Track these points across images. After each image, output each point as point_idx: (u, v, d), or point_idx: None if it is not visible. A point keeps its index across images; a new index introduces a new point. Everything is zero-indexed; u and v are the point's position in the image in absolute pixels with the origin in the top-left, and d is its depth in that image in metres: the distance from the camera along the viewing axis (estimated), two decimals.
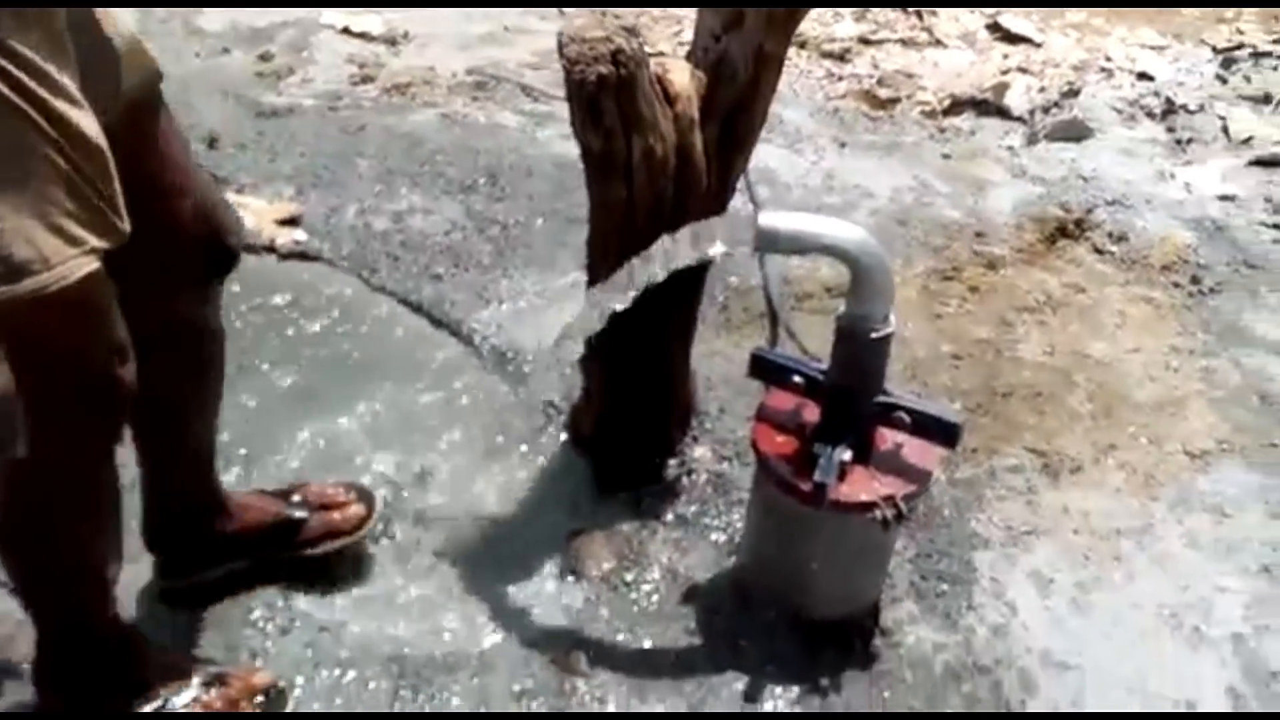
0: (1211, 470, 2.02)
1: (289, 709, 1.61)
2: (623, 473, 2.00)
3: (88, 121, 1.06)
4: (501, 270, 2.44)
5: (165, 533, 1.68)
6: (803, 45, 3.62)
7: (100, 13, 1.13)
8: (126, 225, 1.12)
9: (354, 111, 3.01)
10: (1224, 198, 2.95)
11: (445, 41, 3.51)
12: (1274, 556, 1.88)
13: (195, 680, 1.55)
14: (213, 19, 3.48)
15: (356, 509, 1.79)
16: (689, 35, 3.19)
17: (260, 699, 1.58)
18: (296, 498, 1.77)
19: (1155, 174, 3.07)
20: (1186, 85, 3.57)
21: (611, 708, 1.63)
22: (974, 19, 3.99)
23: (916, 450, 1.61)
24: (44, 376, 1.14)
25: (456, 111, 2.99)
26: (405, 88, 3.15)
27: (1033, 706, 1.65)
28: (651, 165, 1.62)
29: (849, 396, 1.57)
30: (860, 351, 1.53)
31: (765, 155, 2.66)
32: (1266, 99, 3.52)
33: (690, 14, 2.97)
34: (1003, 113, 3.42)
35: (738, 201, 1.91)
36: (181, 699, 1.53)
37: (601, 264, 1.76)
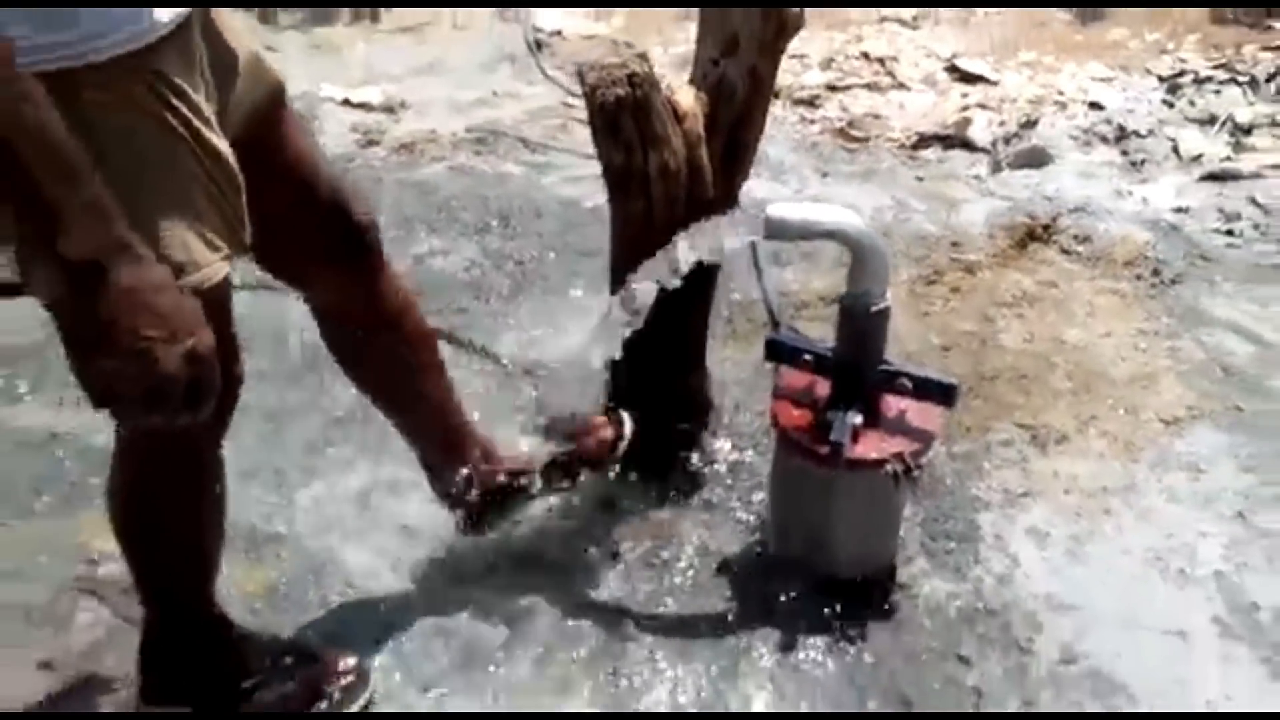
0: (1184, 434, 2.22)
1: (369, 690, 1.76)
2: (651, 466, 2.18)
3: (223, 144, 1.25)
4: (519, 300, 2.64)
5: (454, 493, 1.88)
6: (776, 94, 3.88)
7: (222, 29, 1.32)
8: (249, 235, 1.31)
9: (367, 170, 3.22)
10: (1178, 210, 3.18)
11: (441, 107, 3.75)
12: (1246, 504, 2.07)
13: (285, 661, 1.71)
14: None
15: (606, 431, 2.02)
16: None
17: (346, 680, 1.73)
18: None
19: (1113, 192, 3.29)
20: (1136, 112, 3.80)
21: (662, 666, 1.79)
22: (932, 62, 4.25)
23: (919, 414, 1.80)
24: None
25: (463, 164, 3.21)
26: (411, 146, 3.37)
27: (1039, 643, 1.82)
28: (666, 177, 1.83)
29: (855, 367, 1.77)
30: (863, 325, 1.73)
31: (753, 186, 2.83)
32: (1212, 120, 3.75)
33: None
34: (967, 145, 3.65)
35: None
36: (272, 681, 1.69)
37: (627, 271, 1.96)
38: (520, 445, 2.15)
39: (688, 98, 1.85)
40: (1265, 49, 4.01)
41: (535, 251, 2.80)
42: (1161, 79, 4.06)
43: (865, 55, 4.31)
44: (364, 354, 1.76)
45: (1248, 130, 3.65)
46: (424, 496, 1.97)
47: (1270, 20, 4.26)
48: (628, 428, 2.01)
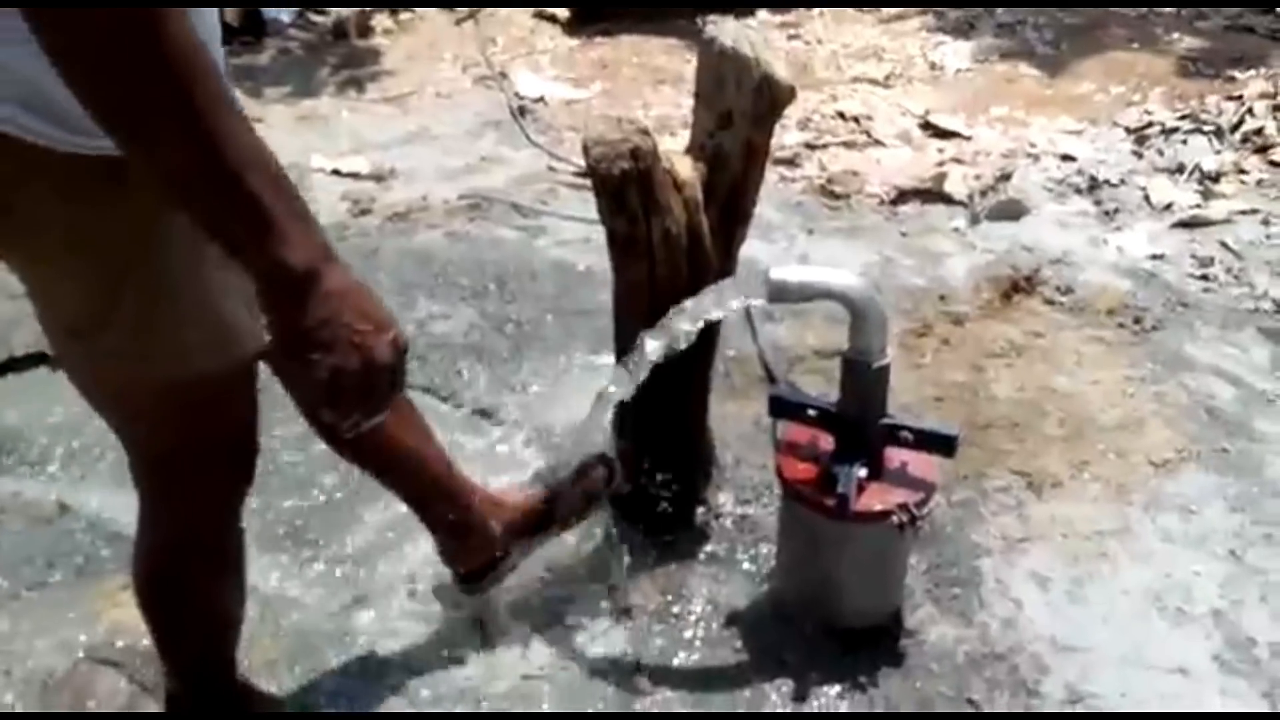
0: (1175, 476, 2.29)
1: None
2: (656, 522, 2.22)
3: None
4: (520, 361, 2.69)
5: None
6: None
7: None
8: None
9: (363, 239, 3.28)
10: (1154, 257, 3.27)
11: (429, 175, 3.82)
12: (1238, 542, 2.13)
13: None
14: None
15: (599, 471, 2.03)
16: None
17: None
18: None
19: (1089, 240, 3.39)
20: (1107, 162, 3.91)
21: None
22: (906, 120, 4.36)
23: (920, 465, 1.86)
24: (209, 436, 1.36)
25: (458, 230, 3.27)
26: (405, 215, 3.44)
27: (1047, 685, 1.86)
28: (669, 243, 1.90)
29: (858, 422, 1.83)
30: (864, 381, 1.79)
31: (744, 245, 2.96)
32: (1180, 169, 3.86)
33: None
34: (945, 199, 3.74)
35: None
36: None
37: (631, 335, 2.02)
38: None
39: (686, 167, 1.93)
40: (1228, 98, 4.15)
41: (533, 314, 2.86)
42: (1129, 130, 4.18)
43: (841, 115, 4.42)
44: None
45: (1215, 178, 3.77)
46: (424, 557, 2.01)
47: (1231, 70, 4.41)
48: (618, 468, 2.06)
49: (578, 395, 2.55)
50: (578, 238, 3.20)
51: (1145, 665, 1.90)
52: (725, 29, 1.89)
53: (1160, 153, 3.99)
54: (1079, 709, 1.81)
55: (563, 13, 5.24)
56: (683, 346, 1.78)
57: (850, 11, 5.24)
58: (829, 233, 3.24)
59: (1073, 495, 2.24)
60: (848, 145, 4.17)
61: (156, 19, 0.88)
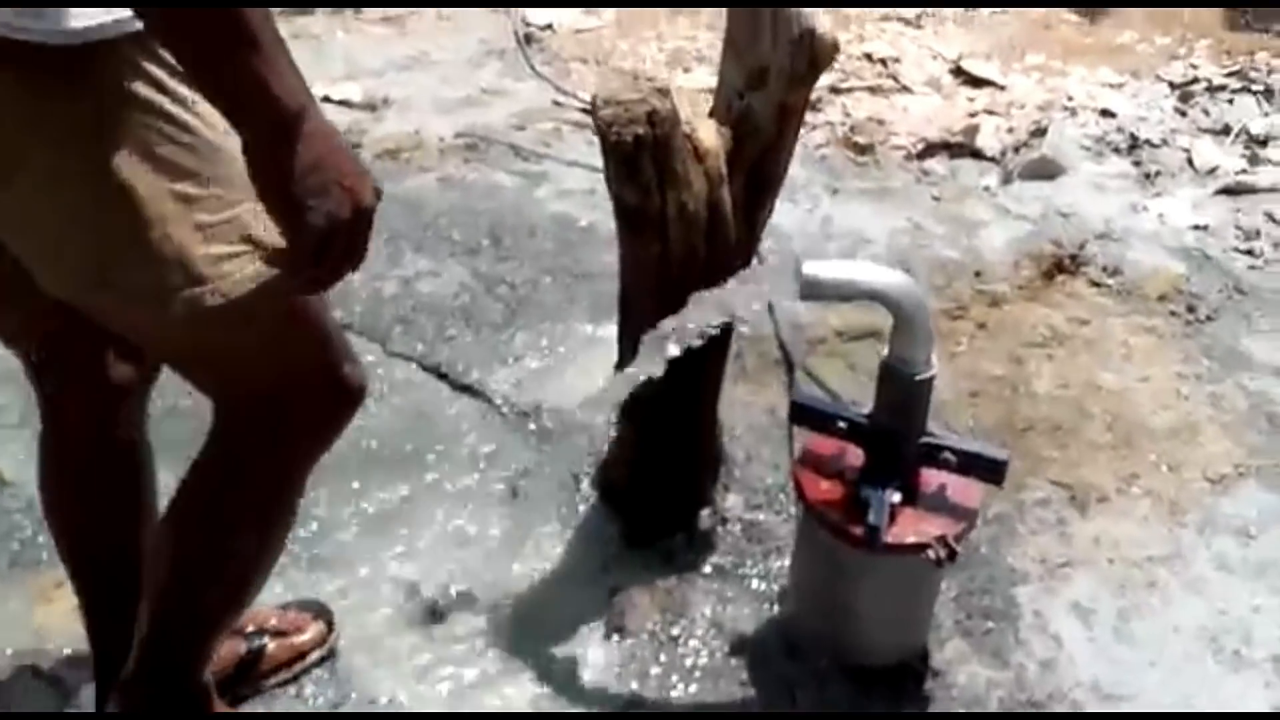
0: (1232, 493, 2.06)
1: None
2: (656, 525, 2.01)
3: None
4: (514, 328, 2.45)
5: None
6: None
7: None
8: None
9: None
10: (1196, 227, 3.03)
11: (425, 106, 3.54)
12: None
13: None
14: None
15: (317, 628, 1.74)
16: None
17: None
18: (251, 628, 1.69)
19: (1128, 207, 3.15)
20: (1148, 120, 3.65)
21: None
22: (937, 65, 4.07)
23: (960, 488, 1.63)
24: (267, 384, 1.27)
25: (451, 175, 3.01)
26: (396, 153, 3.17)
27: None
28: (685, 219, 1.65)
29: (894, 439, 1.60)
30: (904, 394, 1.56)
31: None
32: (1225, 130, 3.61)
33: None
34: (976, 154, 3.49)
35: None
36: None
37: (636, 318, 1.78)
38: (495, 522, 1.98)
39: (709, 134, 1.67)
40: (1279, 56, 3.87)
41: (529, 275, 2.61)
42: (1173, 86, 3.90)
43: (868, 56, 4.13)
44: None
45: (1263, 142, 3.52)
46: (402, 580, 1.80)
47: None
48: (332, 635, 1.76)
49: (575, 371, 2.32)
50: (581, 188, 2.93)
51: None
52: None
53: (1205, 112, 3.72)
54: None
55: None
56: (699, 344, 1.54)
57: None
58: (855, 194, 2.98)
59: (1120, 512, 2.02)
60: (873, 90, 3.89)
61: None
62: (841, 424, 1.64)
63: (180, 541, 1.35)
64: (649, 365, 1.56)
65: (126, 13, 0.99)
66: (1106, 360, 2.35)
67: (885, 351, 1.56)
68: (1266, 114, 3.66)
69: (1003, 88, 3.91)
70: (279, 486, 1.36)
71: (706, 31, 3.97)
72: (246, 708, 1.66)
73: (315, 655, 1.74)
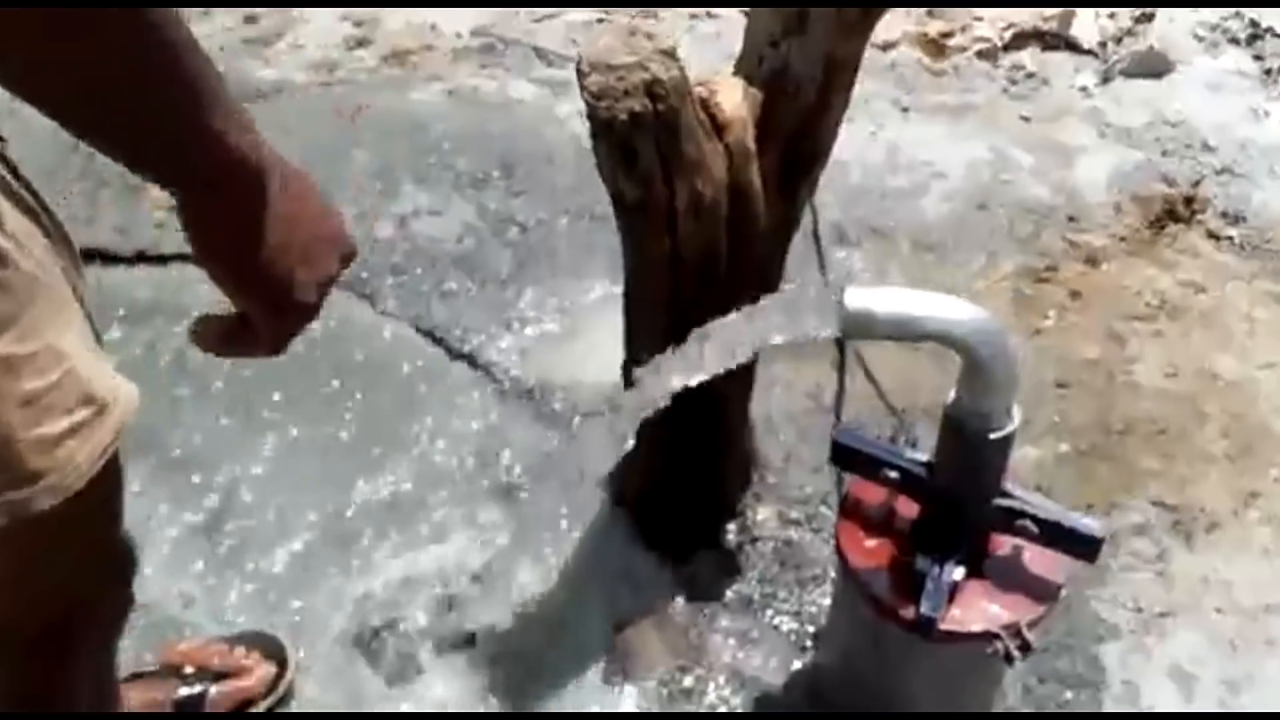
0: None
1: None
2: (675, 540, 1.71)
3: None
4: (522, 284, 2.12)
5: None
6: None
7: None
8: None
9: (350, 88, 2.66)
10: None
11: None
12: None
13: None
14: None
15: (265, 670, 1.49)
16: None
17: None
18: (189, 669, 1.45)
19: (1247, 112, 2.71)
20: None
21: None
22: None
23: (1040, 558, 1.30)
24: None
25: (463, 85, 2.63)
26: (405, 55, 2.79)
27: None
28: (700, 212, 1.29)
29: (960, 500, 1.26)
30: (976, 453, 1.21)
31: None
32: None
33: None
34: (1071, 46, 3.02)
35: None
36: None
37: (643, 330, 1.44)
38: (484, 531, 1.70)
39: (733, 98, 1.29)
40: None
41: (544, 214, 2.26)
42: None
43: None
44: None
45: None
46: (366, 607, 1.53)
47: None
48: (285, 678, 1.50)
49: (589, 341, 1.99)
50: None
51: None
52: None
53: None
54: None
55: None
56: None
57: None
58: (929, 112, 2.54)
59: (1234, 544, 1.67)
60: None
61: None
62: (893, 474, 1.31)
63: None
64: (647, 401, 1.24)
65: None
66: (1227, 339, 1.95)
67: (951, 398, 1.21)
68: None
69: None
70: None
71: None
72: None
73: (265, 705, 1.49)
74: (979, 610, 1.26)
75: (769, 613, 1.62)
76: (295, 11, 2.99)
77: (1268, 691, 1.51)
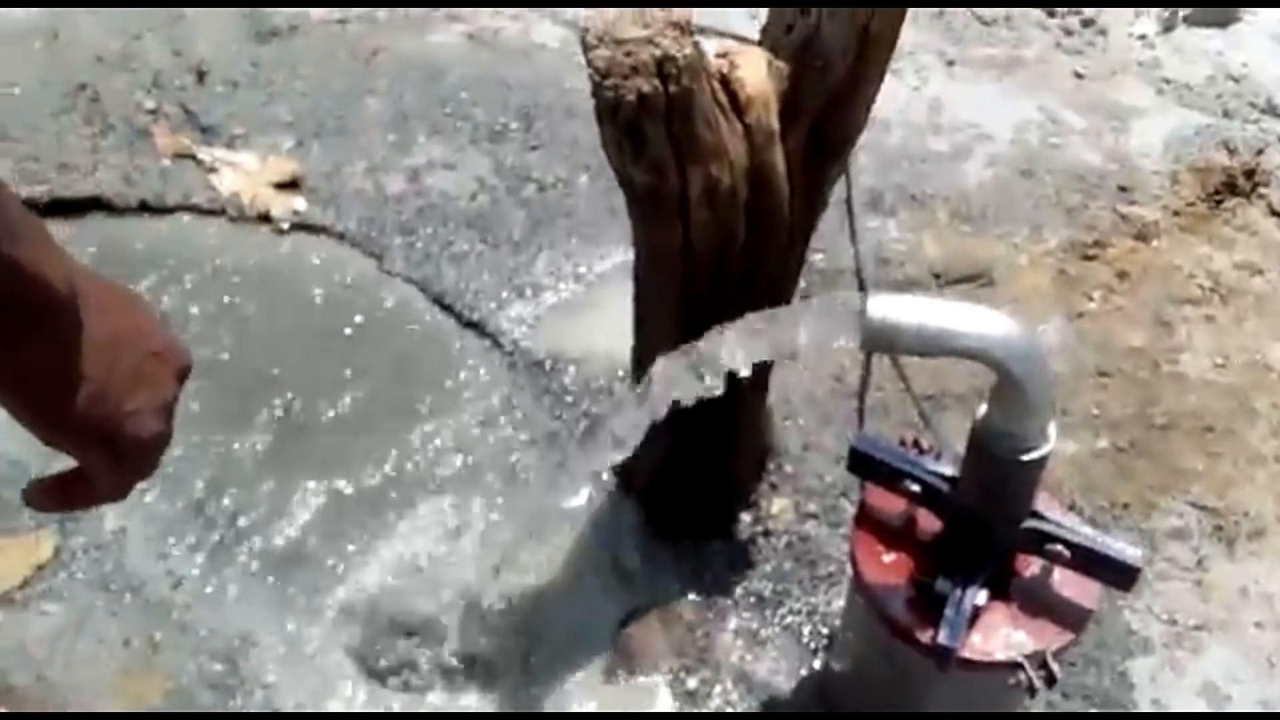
0: None
1: None
2: (685, 528, 1.64)
3: None
4: (537, 247, 2.02)
5: None
6: None
7: None
8: None
9: (366, 27, 2.54)
10: None
11: None
12: None
13: None
14: None
15: None
16: None
17: None
18: None
19: None
20: None
21: None
22: None
23: (1070, 580, 1.21)
24: None
25: (484, 28, 2.50)
26: None
27: None
28: (715, 200, 1.19)
29: (987, 520, 1.17)
30: (1005, 475, 1.12)
31: None
32: None
33: None
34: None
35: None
36: None
37: (653, 321, 1.35)
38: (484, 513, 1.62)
39: (756, 72, 1.18)
40: None
41: (563, 171, 2.15)
42: None
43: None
44: None
45: None
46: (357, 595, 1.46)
47: None
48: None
49: (604, 313, 1.90)
50: None
51: None
52: None
53: None
54: None
55: None
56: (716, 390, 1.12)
57: None
58: (977, 66, 2.39)
59: (1277, 553, 1.57)
60: None
61: None
62: (915, 486, 1.22)
63: None
64: (650, 411, 1.15)
65: None
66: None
67: (980, 414, 1.11)
68: None
69: None
70: None
71: None
72: None
73: None
74: (1002, 637, 1.17)
75: (781, 612, 1.55)
76: None
77: None
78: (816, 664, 1.49)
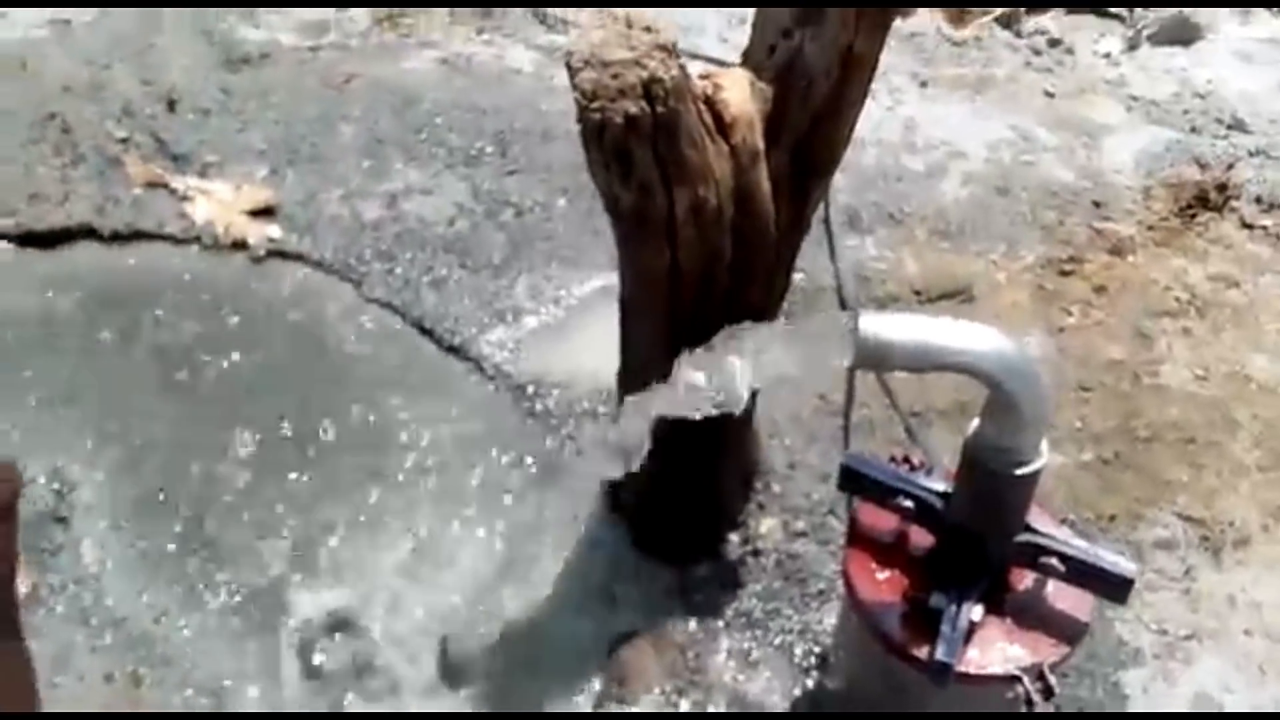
0: None
1: None
2: (674, 549, 1.63)
3: None
4: (517, 271, 2.01)
5: None
6: None
7: None
8: None
9: (338, 54, 2.53)
10: None
11: None
12: None
13: None
14: None
15: None
16: None
17: None
18: None
19: (1278, 84, 2.61)
20: None
21: None
22: None
23: (1064, 593, 1.21)
24: None
25: (458, 54, 2.50)
26: (396, 22, 2.66)
27: None
28: (702, 221, 1.19)
29: (980, 535, 1.17)
30: (999, 490, 1.12)
31: None
32: None
33: None
34: (1097, 6, 2.92)
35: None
36: None
37: (639, 342, 1.34)
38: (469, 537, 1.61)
39: (740, 93, 1.19)
40: None
41: (540, 195, 2.15)
42: None
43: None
44: None
45: None
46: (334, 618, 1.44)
47: None
48: None
49: (586, 336, 1.89)
50: None
51: None
52: None
53: None
54: None
55: None
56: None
57: None
58: (949, 86, 2.42)
59: (1264, 561, 1.58)
60: None
61: None
62: (907, 502, 1.22)
63: None
64: (632, 431, 1.15)
65: None
66: (1259, 338, 1.85)
67: (973, 429, 1.11)
68: None
69: None
70: None
71: None
72: None
73: None
74: (998, 651, 1.18)
75: (771, 630, 1.54)
76: None
77: None
78: (810, 683, 1.48)
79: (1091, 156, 2.21)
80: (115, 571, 1.55)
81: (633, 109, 1.07)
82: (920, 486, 1.22)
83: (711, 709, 1.47)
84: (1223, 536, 1.59)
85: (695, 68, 1.17)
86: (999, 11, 2.88)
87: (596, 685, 1.50)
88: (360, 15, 2.69)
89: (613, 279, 1.87)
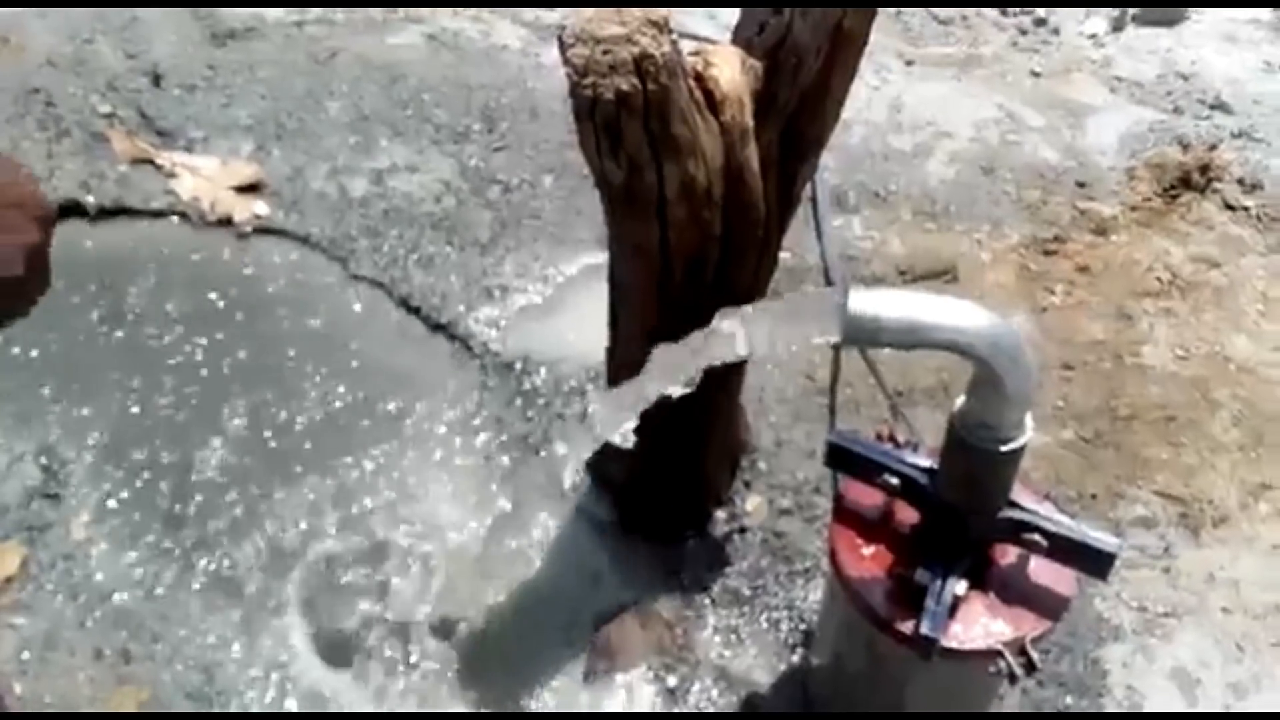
0: None
1: None
2: (660, 526, 1.64)
3: None
4: (504, 249, 2.01)
5: None
6: None
7: None
8: None
9: (324, 29, 2.52)
10: None
11: None
12: None
13: None
14: None
15: None
16: None
17: None
18: None
19: (1259, 65, 2.65)
20: None
21: None
22: None
23: (1047, 568, 1.23)
24: None
25: (445, 30, 2.49)
26: None
27: None
28: (692, 198, 1.19)
29: (964, 511, 1.18)
30: (984, 465, 1.13)
31: None
32: None
33: None
34: None
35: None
36: None
37: (628, 319, 1.35)
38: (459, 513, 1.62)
39: (730, 71, 1.19)
40: None
41: (527, 173, 2.15)
42: None
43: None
44: None
45: None
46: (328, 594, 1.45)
47: None
48: None
49: (573, 314, 1.90)
50: None
51: None
52: None
53: None
54: None
55: None
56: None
57: None
58: (935, 65, 2.42)
59: (1243, 540, 1.60)
60: None
61: None
62: (894, 480, 1.23)
63: None
64: (620, 416, 1.15)
65: None
66: (1239, 319, 1.87)
67: (958, 406, 1.13)
68: None
69: None
70: None
71: None
72: None
73: None
74: (981, 625, 1.19)
75: (757, 606, 1.56)
76: None
77: (1275, 696, 1.45)
78: (795, 658, 1.50)
79: (1076, 137, 2.22)
80: (105, 548, 1.55)
81: (624, 85, 1.07)
82: (906, 463, 1.23)
83: (698, 684, 1.49)
84: (1202, 514, 1.61)
85: (686, 45, 1.17)
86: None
87: (584, 660, 1.51)
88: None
89: (601, 257, 1.89)
